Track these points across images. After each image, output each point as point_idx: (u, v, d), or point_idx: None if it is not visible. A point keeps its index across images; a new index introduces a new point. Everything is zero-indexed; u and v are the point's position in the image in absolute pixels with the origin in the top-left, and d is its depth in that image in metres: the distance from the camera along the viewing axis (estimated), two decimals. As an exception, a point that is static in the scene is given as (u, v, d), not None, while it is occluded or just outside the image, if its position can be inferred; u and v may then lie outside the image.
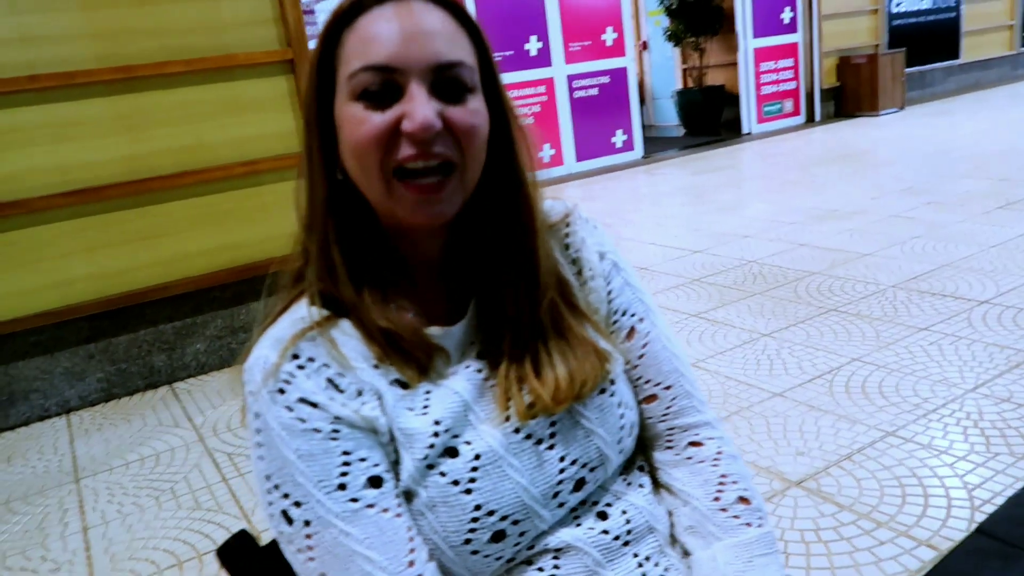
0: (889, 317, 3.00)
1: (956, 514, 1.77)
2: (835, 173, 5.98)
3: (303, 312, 0.71)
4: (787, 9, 8.29)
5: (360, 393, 0.68)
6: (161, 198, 3.17)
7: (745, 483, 0.80)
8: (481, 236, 0.75)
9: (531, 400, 0.71)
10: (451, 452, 0.69)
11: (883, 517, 1.79)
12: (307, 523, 0.65)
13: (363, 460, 0.67)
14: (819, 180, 5.81)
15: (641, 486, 0.79)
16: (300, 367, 0.67)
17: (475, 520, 0.68)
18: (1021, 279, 3.23)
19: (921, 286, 3.29)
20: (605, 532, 0.74)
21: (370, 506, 0.66)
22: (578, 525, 0.74)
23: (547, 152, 6.95)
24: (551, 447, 0.72)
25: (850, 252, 3.89)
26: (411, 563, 0.66)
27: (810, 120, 8.64)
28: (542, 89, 6.84)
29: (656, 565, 0.75)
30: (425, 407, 0.70)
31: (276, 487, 0.66)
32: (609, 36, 7.19)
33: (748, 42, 8.11)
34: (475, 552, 0.69)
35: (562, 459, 0.73)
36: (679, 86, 9.99)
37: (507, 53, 6.58)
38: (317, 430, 0.66)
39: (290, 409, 0.66)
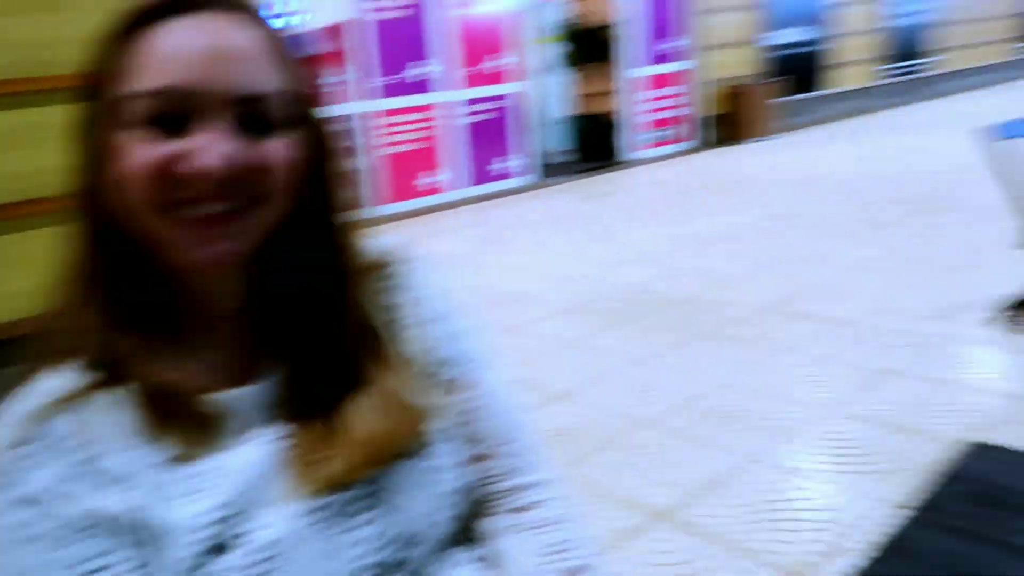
0: (757, 340, 3.09)
1: (821, 538, 1.81)
2: (713, 199, 6.20)
3: (54, 382, 0.61)
4: (670, 39, 8.59)
5: (114, 481, 0.58)
6: None
7: (579, 550, 0.70)
8: (286, 281, 0.66)
9: (326, 471, 0.62)
10: (223, 548, 0.58)
11: (756, 545, 1.80)
12: None
13: (102, 570, 0.57)
14: (698, 206, 6.00)
15: (475, 561, 0.69)
16: (27, 456, 0.58)
17: None
18: (880, 299, 3.39)
19: (786, 309, 3.40)
20: None
21: None
22: None
23: (442, 176, 6.91)
24: (349, 529, 0.62)
25: (724, 276, 4.01)
26: None
27: (697, 147, 8.95)
28: (436, 113, 6.82)
29: None
30: (198, 491, 0.59)
31: None
32: (506, 60, 7.25)
33: (628, 71, 8.37)
34: None
35: (358, 543, 0.62)
36: (574, 112, 10.17)
37: (401, 76, 6.53)
38: (42, 536, 0.56)
39: (12, 510, 0.57)
